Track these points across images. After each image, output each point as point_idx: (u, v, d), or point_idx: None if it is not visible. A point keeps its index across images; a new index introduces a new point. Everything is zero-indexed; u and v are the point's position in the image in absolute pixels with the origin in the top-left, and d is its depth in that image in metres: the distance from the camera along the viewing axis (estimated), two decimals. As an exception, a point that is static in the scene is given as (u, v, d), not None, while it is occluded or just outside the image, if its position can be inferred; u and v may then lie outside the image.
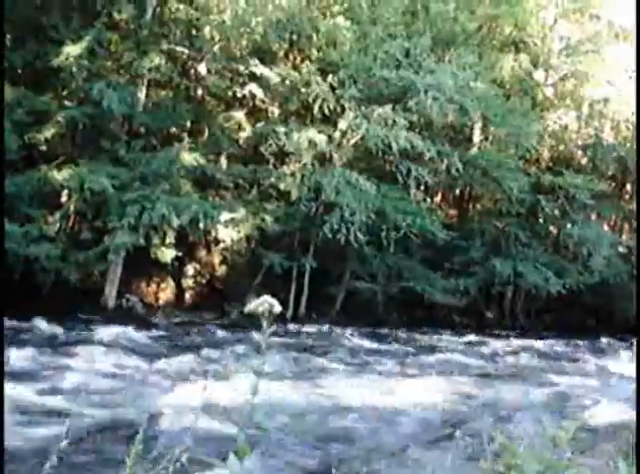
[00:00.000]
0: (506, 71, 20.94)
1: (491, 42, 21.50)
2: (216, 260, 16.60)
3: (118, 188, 14.44)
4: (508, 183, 18.64)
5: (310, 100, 16.10)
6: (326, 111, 16.11)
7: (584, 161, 22.73)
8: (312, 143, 15.47)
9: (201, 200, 14.56)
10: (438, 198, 21.58)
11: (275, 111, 17.16)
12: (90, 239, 15.46)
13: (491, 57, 20.63)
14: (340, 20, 17.37)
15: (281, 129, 15.63)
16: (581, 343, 16.50)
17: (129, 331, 12.78)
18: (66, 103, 16.14)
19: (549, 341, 16.31)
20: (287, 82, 16.48)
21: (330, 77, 16.25)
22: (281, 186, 15.47)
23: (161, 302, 16.05)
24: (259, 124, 16.51)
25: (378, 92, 16.92)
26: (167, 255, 14.85)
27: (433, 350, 13.42)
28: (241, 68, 16.47)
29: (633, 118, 21.24)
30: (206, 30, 16.88)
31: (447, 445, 6.38)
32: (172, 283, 16.26)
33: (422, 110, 16.89)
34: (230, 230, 14.71)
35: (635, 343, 15.25)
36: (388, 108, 16.32)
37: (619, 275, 20.59)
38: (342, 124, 16.16)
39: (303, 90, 16.30)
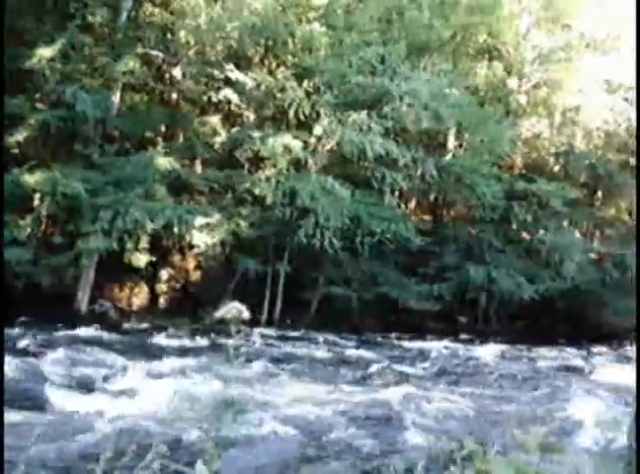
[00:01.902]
0: (480, 78, 21.10)
1: (465, 50, 21.62)
2: (191, 265, 16.52)
3: (91, 192, 14.32)
4: (481, 189, 18.73)
5: (285, 105, 16.07)
6: (301, 116, 16.08)
7: (556, 168, 22.97)
8: (287, 149, 15.45)
9: (176, 205, 14.51)
10: (412, 204, 21.67)
11: (250, 116, 17.14)
12: (62, 243, 15.31)
13: (465, 65, 20.77)
14: (316, 26, 17.40)
15: (257, 135, 15.58)
16: (553, 348, 16.60)
17: (100, 336, 12.71)
18: (39, 105, 15.97)
19: (521, 346, 16.30)
20: (263, 87, 16.45)
21: (305, 83, 16.27)
22: (257, 191, 15.40)
23: (134, 307, 15.97)
24: (234, 130, 16.46)
25: (354, 98, 16.93)
26: (141, 260, 14.79)
27: (404, 355, 13.45)
28: (216, 73, 16.44)
29: (605, 127, 21.54)
30: (181, 34, 16.80)
31: (416, 455, 6.39)
32: (145, 288, 16.19)
33: (397, 116, 16.97)
34: (205, 235, 14.64)
35: (635, 344, 15.43)
36: (364, 113, 16.36)
37: (591, 281, 20.71)
38: (317, 130, 16.17)
39: (279, 95, 16.24)
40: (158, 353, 11.44)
